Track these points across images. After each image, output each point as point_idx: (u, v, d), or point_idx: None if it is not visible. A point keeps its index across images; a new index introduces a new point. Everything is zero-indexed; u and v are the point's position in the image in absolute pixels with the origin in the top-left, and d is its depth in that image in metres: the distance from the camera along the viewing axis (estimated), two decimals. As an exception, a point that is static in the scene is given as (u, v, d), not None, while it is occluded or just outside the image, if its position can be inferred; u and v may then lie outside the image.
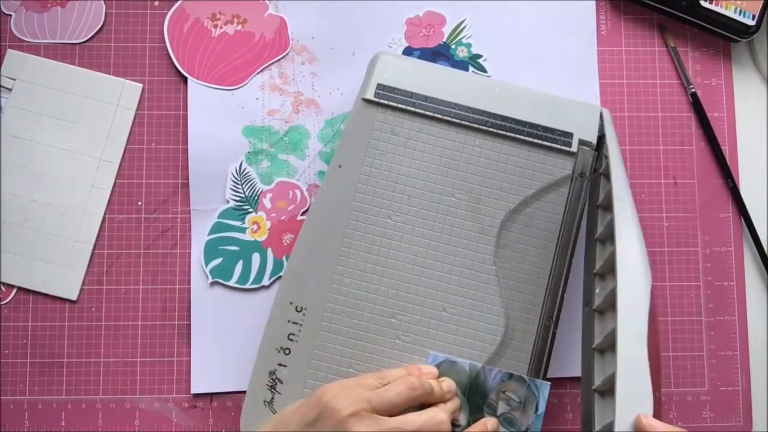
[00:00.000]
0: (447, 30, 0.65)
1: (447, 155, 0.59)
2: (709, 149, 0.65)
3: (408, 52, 0.65)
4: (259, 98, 0.64)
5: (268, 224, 0.63)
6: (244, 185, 0.63)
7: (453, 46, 0.65)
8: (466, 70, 0.65)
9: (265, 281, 0.62)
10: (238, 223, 0.62)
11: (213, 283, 0.62)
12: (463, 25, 0.65)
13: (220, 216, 0.62)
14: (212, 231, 0.62)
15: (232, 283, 0.62)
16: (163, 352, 0.62)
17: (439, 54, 0.65)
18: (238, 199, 0.63)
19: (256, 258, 0.62)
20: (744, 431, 0.63)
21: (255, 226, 0.62)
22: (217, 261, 0.62)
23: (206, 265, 0.62)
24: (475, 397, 0.56)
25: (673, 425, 0.45)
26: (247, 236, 0.62)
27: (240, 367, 0.61)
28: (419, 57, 0.65)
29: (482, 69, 0.65)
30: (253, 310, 0.62)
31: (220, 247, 0.62)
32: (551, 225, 0.59)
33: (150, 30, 0.65)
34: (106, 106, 0.64)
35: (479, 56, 0.65)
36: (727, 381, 0.63)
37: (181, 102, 0.64)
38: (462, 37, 0.65)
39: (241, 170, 0.63)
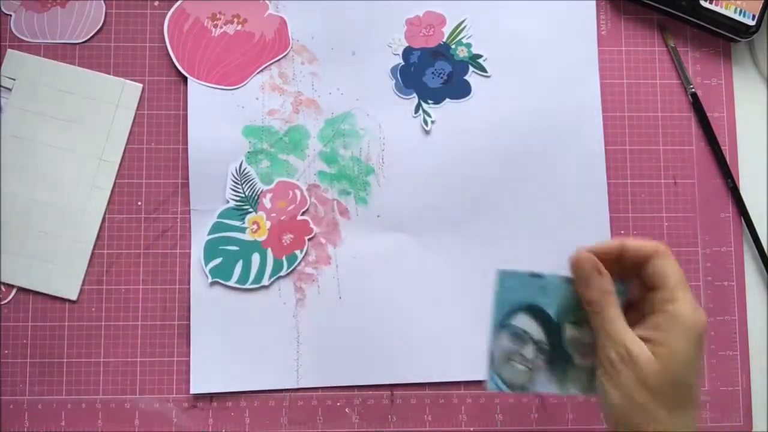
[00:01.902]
0: (447, 30, 0.65)
1: None
2: (709, 149, 0.65)
3: (408, 52, 0.65)
4: (259, 98, 0.64)
5: (268, 224, 0.62)
6: (244, 185, 0.63)
7: (453, 46, 0.65)
8: (467, 70, 0.65)
9: (265, 281, 0.62)
10: (238, 223, 0.62)
11: (213, 283, 0.62)
12: (463, 25, 0.65)
13: (220, 216, 0.62)
14: (212, 231, 0.62)
15: (231, 283, 0.62)
16: (163, 352, 0.62)
17: (439, 54, 0.65)
18: (238, 199, 0.63)
19: (255, 258, 0.62)
20: (744, 431, 0.63)
21: (255, 226, 0.62)
22: (217, 261, 0.62)
23: (206, 265, 0.62)
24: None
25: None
26: (246, 236, 0.62)
27: (240, 367, 0.62)
28: (419, 57, 0.65)
29: (482, 69, 0.65)
30: (253, 310, 0.62)
31: (220, 247, 0.62)
32: None
33: (150, 30, 0.65)
34: (106, 106, 0.64)
35: (479, 56, 0.65)
36: (727, 381, 0.63)
37: (181, 102, 0.64)
38: (462, 37, 0.65)
39: (241, 170, 0.63)
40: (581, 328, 0.49)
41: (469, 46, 0.65)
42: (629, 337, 0.45)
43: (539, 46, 0.65)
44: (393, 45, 0.65)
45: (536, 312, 0.49)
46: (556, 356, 0.49)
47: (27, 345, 0.62)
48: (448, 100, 0.65)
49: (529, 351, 0.49)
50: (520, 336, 0.49)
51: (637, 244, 0.47)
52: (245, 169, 0.63)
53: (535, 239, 0.61)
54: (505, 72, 0.65)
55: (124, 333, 0.62)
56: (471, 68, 0.65)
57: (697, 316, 0.45)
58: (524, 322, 0.49)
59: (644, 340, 0.45)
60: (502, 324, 0.49)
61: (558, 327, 0.49)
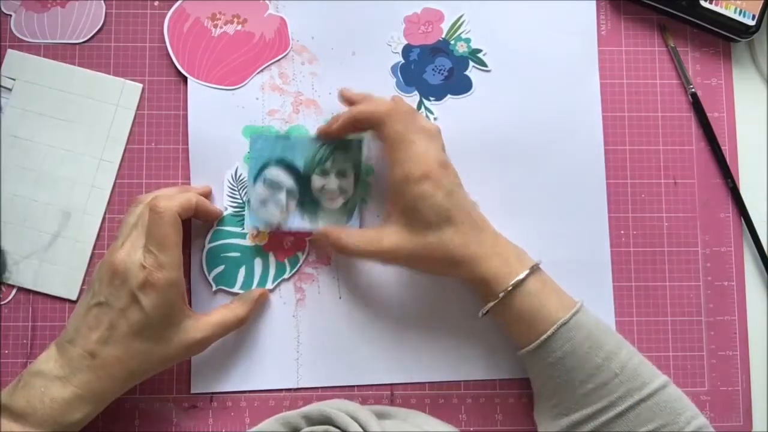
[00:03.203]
0: (445, 26, 0.65)
1: None
2: (709, 149, 0.65)
3: (407, 49, 0.65)
4: (259, 98, 0.64)
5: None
6: (240, 191, 0.62)
7: (452, 42, 0.65)
8: (467, 65, 0.65)
9: (269, 285, 0.62)
10: (237, 229, 0.62)
11: (216, 291, 0.62)
12: (461, 21, 0.65)
13: (219, 223, 0.62)
14: (212, 239, 0.62)
15: (236, 290, 0.62)
16: (164, 353, 0.62)
17: (439, 50, 0.65)
18: (235, 205, 0.62)
19: (258, 263, 0.62)
20: (744, 431, 0.63)
21: (255, 231, 0.62)
22: (219, 269, 0.62)
23: (209, 273, 0.62)
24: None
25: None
26: (247, 242, 0.62)
27: (240, 367, 0.62)
28: (419, 54, 0.65)
29: (482, 63, 0.65)
30: (253, 311, 0.62)
31: (221, 255, 0.62)
32: None
33: (150, 30, 0.64)
34: (106, 106, 0.64)
35: (479, 50, 0.65)
36: (727, 381, 0.63)
37: (181, 102, 0.64)
38: (461, 32, 0.65)
39: (237, 176, 0.63)
40: (327, 178, 0.61)
41: (468, 41, 0.65)
42: None
43: (539, 46, 0.65)
44: (392, 43, 0.65)
45: (286, 165, 0.61)
46: (307, 201, 0.61)
47: (27, 345, 0.62)
48: (449, 96, 0.65)
49: (282, 197, 0.61)
50: (274, 185, 0.61)
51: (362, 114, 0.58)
52: (240, 175, 0.63)
53: (534, 237, 0.61)
54: (505, 67, 0.65)
55: (124, 333, 0.62)
56: (471, 63, 0.65)
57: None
58: (276, 174, 0.61)
59: None
60: (256, 177, 0.61)
61: (307, 177, 0.61)
